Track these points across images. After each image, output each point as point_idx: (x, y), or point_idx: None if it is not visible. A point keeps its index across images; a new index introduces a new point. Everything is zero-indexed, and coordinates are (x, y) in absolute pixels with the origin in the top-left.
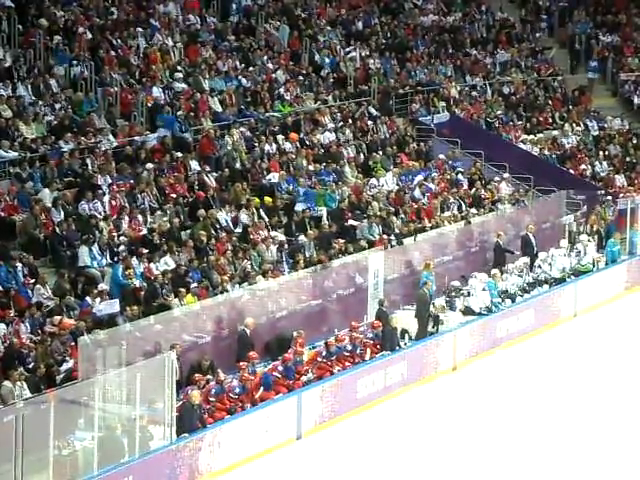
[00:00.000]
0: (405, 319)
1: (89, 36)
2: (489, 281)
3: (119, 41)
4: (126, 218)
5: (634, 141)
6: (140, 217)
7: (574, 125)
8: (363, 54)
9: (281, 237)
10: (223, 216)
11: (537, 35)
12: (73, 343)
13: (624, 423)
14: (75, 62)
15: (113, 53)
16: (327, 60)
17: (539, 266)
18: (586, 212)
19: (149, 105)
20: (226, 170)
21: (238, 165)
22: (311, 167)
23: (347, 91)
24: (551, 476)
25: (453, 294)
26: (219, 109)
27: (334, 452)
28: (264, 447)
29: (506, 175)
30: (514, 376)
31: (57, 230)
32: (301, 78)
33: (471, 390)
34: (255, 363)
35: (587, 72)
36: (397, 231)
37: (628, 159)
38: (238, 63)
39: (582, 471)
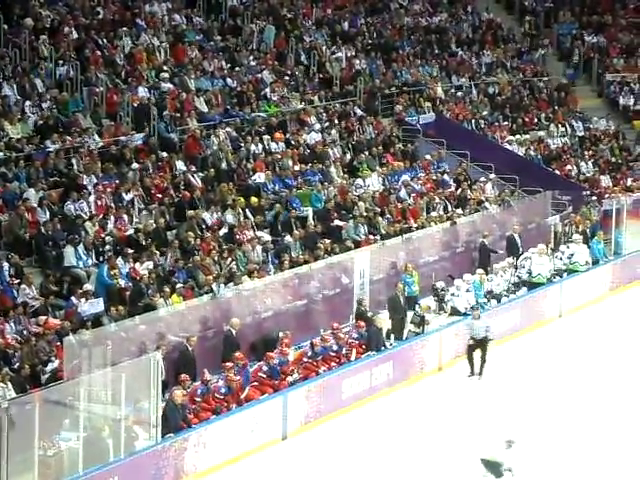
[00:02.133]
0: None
1: (75, 36)
2: (474, 281)
3: (105, 41)
4: (112, 218)
5: (620, 142)
6: (126, 217)
7: (559, 126)
8: (349, 54)
9: (267, 237)
10: (209, 216)
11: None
12: (58, 343)
13: (610, 422)
14: (61, 62)
15: (99, 53)
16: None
17: (522, 266)
18: (571, 213)
19: (135, 105)
20: (212, 170)
21: (224, 165)
22: (297, 167)
23: (333, 91)
24: (537, 476)
25: (440, 294)
26: (205, 109)
27: (320, 452)
28: (250, 447)
29: (492, 176)
30: (499, 376)
31: (42, 230)
32: (287, 78)
33: (457, 390)
34: (241, 364)
35: (566, 74)
36: (383, 231)
37: (613, 160)
38: (224, 63)
39: (568, 471)
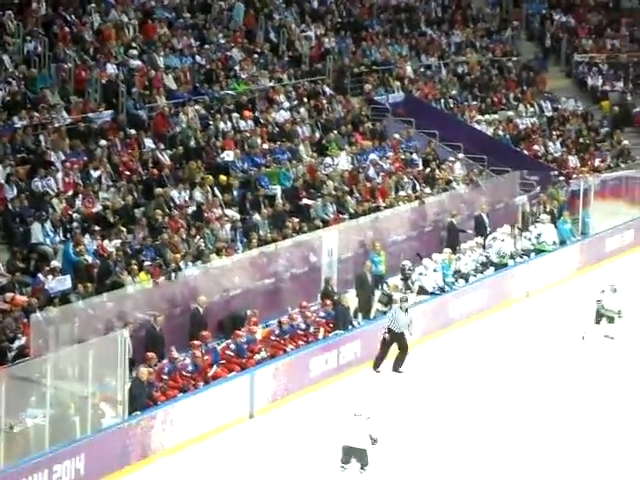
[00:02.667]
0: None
1: (43, 12)
2: (443, 261)
3: (73, 17)
4: (79, 195)
5: (588, 123)
6: (93, 194)
7: (528, 106)
8: (318, 33)
9: (235, 215)
10: (177, 194)
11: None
12: (25, 320)
13: (576, 403)
14: (29, 38)
15: (67, 29)
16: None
17: (490, 246)
18: (539, 193)
19: (103, 82)
20: (180, 148)
21: (192, 143)
22: (265, 145)
23: (302, 70)
24: (505, 460)
25: (407, 273)
26: (174, 87)
27: (287, 431)
28: (217, 425)
29: (460, 155)
30: (466, 356)
31: (10, 206)
32: (256, 56)
33: (424, 370)
34: (208, 342)
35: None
36: (351, 210)
37: (581, 140)
38: (193, 41)
39: (534, 453)
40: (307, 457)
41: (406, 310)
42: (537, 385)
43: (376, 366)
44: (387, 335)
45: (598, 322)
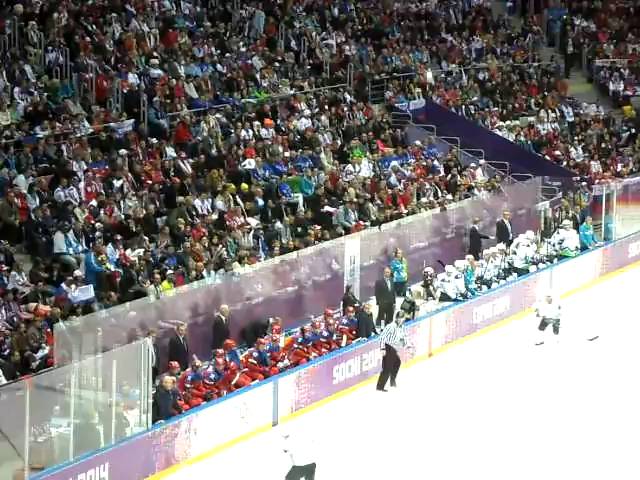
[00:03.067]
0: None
1: (64, 22)
2: (465, 267)
3: (94, 27)
4: (102, 205)
5: (610, 128)
6: (115, 204)
7: (550, 111)
8: (339, 40)
9: (257, 223)
10: (199, 203)
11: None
12: (49, 330)
13: (601, 410)
14: (50, 48)
15: (88, 39)
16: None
17: (514, 252)
18: (561, 198)
19: (124, 91)
20: (202, 156)
21: (214, 151)
22: (287, 153)
23: (323, 77)
24: (525, 463)
25: (428, 280)
26: (195, 95)
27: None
28: (240, 433)
29: (482, 161)
30: (490, 362)
31: (32, 216)
32: (277, 64)
33: (447, 376)
34: (231, 350)
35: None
36: (373, 217)
37: (603, 145)
38: (214, 49)
39: (556, 457)
40: (332, 466)
41: (402, 325)
42: (558, 391)
43: (380, 386)
44: (384, 352)
45: (542, 329)
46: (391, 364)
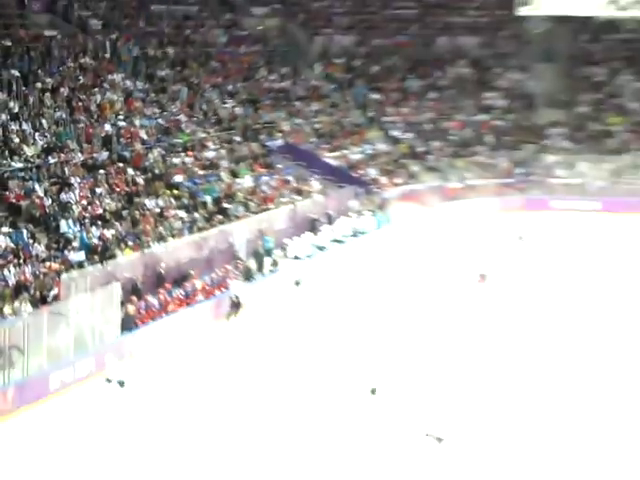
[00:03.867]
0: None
1: (66, 93)
2: (310, 239)
3: (84, 96)
4: (90, 203)
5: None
6: (98, 202)
7: (356, 147)
8: (232, 105)
9: (183, 214)
10: (148, 202)
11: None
12: (57, 279)
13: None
14: (57, 109)
15: (81, 104)
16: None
17: (335, 230)
18: (364, 198)
19: (102, 135)
20: (149, 174)
21: (157, 171)
22: (201, 172)
23: (222, 126)
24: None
25: (285, 246)
26: (145, 137)
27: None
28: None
29: (317, 177)
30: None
31: (47, 210)
32: (195, 119)
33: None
34: (169, 290)
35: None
36: (253, 210)
37: (388, 168)
38: (157, 110)
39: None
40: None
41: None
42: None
43: (228, 318)
44: (235, 299)
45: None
46: (234, 306)
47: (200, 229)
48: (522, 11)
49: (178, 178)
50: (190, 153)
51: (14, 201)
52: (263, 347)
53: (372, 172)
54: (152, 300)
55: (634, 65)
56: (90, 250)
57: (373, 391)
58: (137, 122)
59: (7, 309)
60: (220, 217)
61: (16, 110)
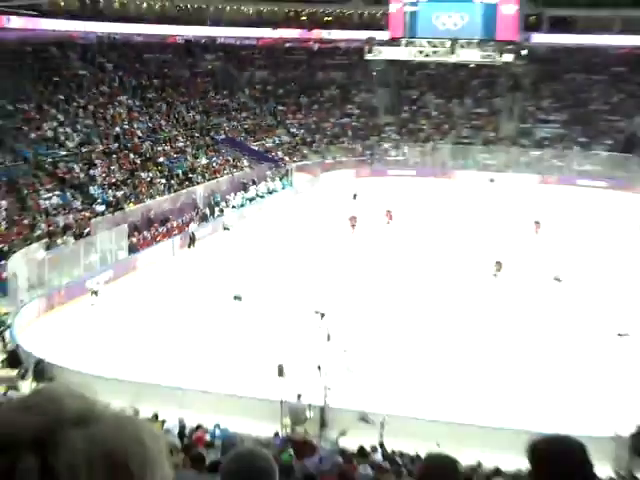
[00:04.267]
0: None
1: (92, 109)
2: (242, 195)
3: (103, 110)
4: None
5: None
6: (112, 175)
7: (270, 139)
8: (194, 114)
9: (164, 181)
10: (143, 174)
11: None
12: (89, 222)
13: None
14: (83, 118)
15: (101, 115)
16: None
17: (258, 189)
18: (274, 170)
19: (114, 134)
20: (144, 157)
21: (148, 155)
22: (175, 155)
23: (187, 128)
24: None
25: (227, 200)
26: (140, 135)
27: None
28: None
29: (246, 157)
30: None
31: (81, 180)
32: (170, 123)
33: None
34: (157, 228)
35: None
36: (208, 178)
37: (289, 151)
38: (147, 118)
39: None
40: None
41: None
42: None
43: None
44: (192, 235)
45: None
46: (192, 240)
47: (175, 190)
48: (369, 56)
49: (161, 159)
50: (168, 144)
51: (61, 175)
52: (209, 266)
53: (280, 154)
54: (146, 234)
55: (435, 89)
56: (108, 204)
57: (237, 297)
58: (135, 125)
59: (59, 241)
60: (187, 183)
61: (62, 119)
